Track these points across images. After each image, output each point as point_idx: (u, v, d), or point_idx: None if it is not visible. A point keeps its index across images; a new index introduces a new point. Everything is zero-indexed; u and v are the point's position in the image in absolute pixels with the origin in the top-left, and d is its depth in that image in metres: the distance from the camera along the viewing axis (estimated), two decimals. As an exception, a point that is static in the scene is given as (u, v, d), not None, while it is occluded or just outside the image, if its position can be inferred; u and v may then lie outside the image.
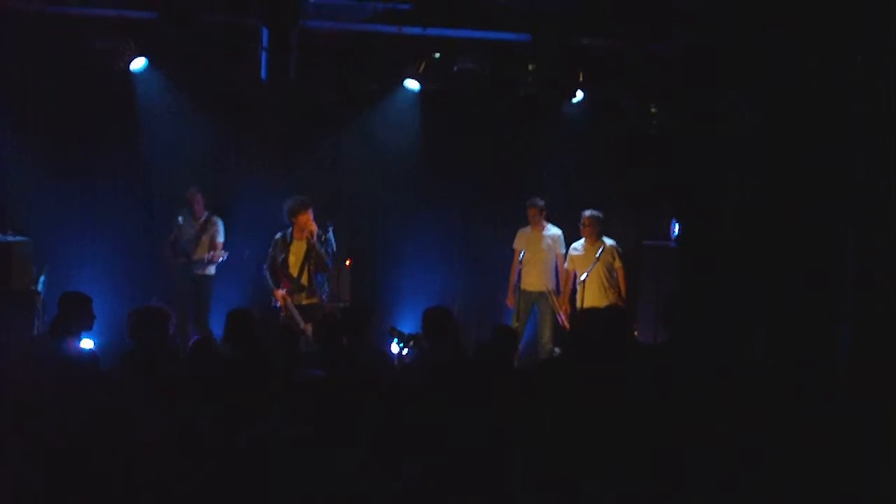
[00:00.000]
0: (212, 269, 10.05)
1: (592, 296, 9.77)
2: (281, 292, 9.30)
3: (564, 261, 10.20)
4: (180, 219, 10.04)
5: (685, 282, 9.97)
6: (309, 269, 9.32)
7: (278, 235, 9.42)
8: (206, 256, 9.87)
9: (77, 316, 6.40)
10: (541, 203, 10.23)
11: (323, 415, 4.94)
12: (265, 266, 9.45)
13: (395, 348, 9.09)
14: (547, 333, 10.13)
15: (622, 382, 5.55)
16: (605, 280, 9.90)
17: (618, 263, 9.97)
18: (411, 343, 7.95)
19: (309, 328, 8.74)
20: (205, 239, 10.01)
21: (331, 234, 9.44)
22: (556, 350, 9.68)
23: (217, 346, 7.22)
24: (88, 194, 10.21)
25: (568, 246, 10.22)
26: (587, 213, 9.97)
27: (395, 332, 8.42)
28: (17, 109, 9.90)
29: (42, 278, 9.43)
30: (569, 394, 5.53)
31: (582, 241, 10.08)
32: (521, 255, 10.08)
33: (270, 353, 6.29)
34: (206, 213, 10.07)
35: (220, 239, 10.04)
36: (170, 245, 10.04)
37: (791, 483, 4.78)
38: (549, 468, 4.86)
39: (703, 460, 4.93)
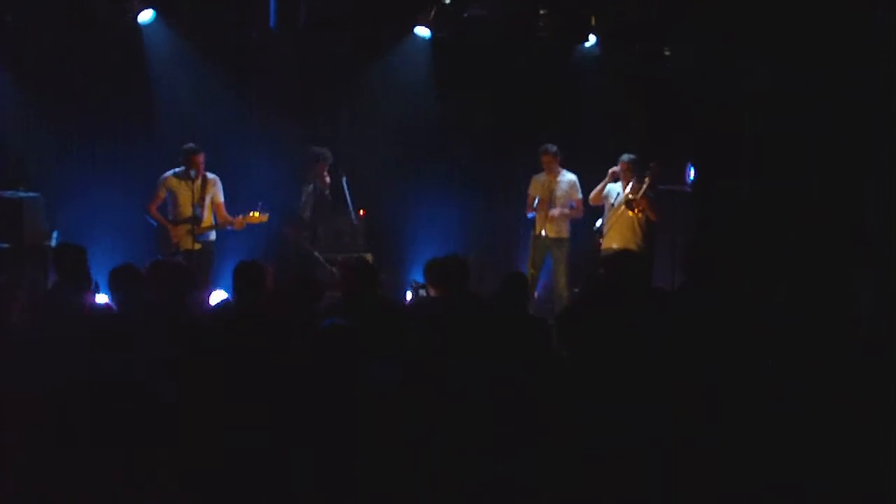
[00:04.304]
0: (213, 234, 9.59)
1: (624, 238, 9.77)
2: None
3: (582, 205, 10.16)
4: (173, 177, 9.46)
5: (701, 228, 9.91)
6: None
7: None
8: (233, 220, 9.37)
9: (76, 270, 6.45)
10: (553, 149, 10.13)
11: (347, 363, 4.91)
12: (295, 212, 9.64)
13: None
14: (562, 280, 10.10)
15: (641, 327, 5.51)
16: (637, 222, 9.84)
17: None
18: None
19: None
20: (208, 201, 9.46)
21: (345, 185, 9.43)
22: (576, 290, 9.63)
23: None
24: (99, 149, 10.05)
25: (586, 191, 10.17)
26: (626, 157, 9.84)
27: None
28: (25, 65, 9.78)
29: (55, 234, 9.39)
30: (586, 339, 5.49)
31: (618, 185, 9.94)
32: (536, 203, 10.03)
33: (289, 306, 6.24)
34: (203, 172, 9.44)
35: (222, 198, 9.56)
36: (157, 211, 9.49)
37: (807, 429, 4.76)
38: (562, 415, 4.80)
39: (721, 407, 4.89)
